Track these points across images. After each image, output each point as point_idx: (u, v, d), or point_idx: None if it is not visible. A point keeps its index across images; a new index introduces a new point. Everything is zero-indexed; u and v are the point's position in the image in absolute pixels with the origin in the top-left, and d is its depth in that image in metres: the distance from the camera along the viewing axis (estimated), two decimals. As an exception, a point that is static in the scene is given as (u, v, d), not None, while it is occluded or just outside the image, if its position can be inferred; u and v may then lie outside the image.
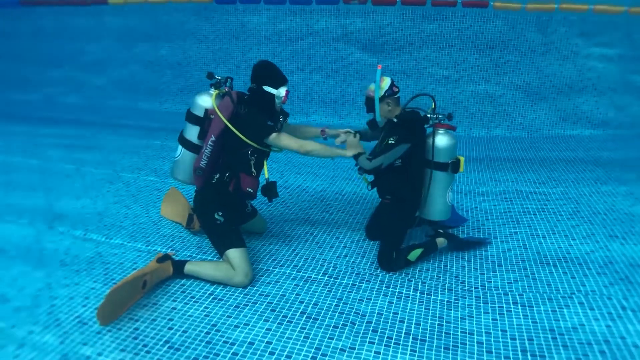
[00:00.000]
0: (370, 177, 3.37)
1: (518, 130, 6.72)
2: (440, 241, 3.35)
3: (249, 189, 3.08)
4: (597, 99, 6.48)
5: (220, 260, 3.11)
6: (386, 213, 3.30)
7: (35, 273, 3.10)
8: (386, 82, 3.09)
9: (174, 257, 3.08)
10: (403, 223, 3.29)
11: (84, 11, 8.07)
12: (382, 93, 3.08)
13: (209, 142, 3.08)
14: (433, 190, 3.18)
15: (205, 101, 3.15)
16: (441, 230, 3.41)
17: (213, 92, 3.14)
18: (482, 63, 6.67)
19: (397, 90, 3.13)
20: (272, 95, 3.08)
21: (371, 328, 2.63)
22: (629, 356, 2.35)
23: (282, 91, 3.08)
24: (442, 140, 3.12)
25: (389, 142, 3.03)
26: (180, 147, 3.27)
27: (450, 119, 3.16)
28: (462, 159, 3.20)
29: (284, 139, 3.05)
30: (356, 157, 3.15)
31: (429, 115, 3.15)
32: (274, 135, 3.02)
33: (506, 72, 6.64)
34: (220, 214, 3.05)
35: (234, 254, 2.97)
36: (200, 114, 3.15)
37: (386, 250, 3.20)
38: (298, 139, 3.11)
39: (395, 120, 3.10)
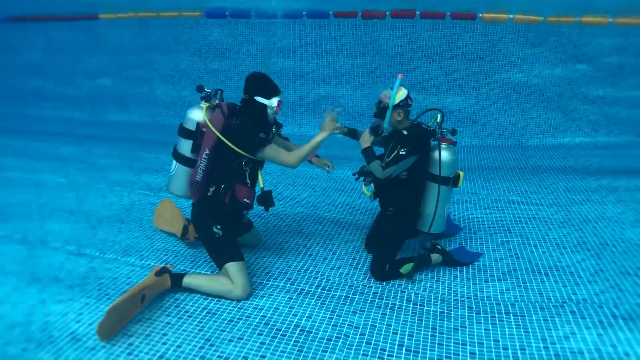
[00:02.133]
0: (370, 188, 3.40)
1: (509, 139, 6.79)
2: (436, 257, 3.36)
3: (245, 200, 3.09)
4: (587, 107, 6.56)
5: (219, 273, 3.11)
6: (388, 225, 3.32)
7: (29, 289, 3.10)
8: (403, 92, 3.13)
9: (171, 269, 3.08)
10: (402, 236, 3.32)
11: (76, 26, 8.11)
12: (397, 101, 3.11)
13: (204, 156, 3.08)
14: (435, 204, 3.20)
15: (197, 115, 3.14)
16: (439, 247, 3.42)
17: (203, 105, 3.14)
18: (473, 72, 6.75)
19: (410, 103, 3.18)
20: (264, 106, 3.08)
21: (365, 340, 2.64)
22: (620, 364, 2.38)
23: (274, 102, 3.08)
24: (446, 154, 3.17)
25: (401, 153, 3.08)
26: (174, 161, 3.26)
27: (454, 134, 3.21)
28: (461, 174, 3.26)
29: (273, 153, 3.04)
30: (365, 165, 3.18)
31: (437, 130, 3.20)
32: (265, 149, 3.01)
33: (496, 81, 6.72)
34: (219, 227, 3.05)
35: (233, 267, 2.98)
36: (192, 127, 3.15)
37: (380, 261, 3.23)
38: (289, 153, 3.09)
39: (405, 132, 3.14)
